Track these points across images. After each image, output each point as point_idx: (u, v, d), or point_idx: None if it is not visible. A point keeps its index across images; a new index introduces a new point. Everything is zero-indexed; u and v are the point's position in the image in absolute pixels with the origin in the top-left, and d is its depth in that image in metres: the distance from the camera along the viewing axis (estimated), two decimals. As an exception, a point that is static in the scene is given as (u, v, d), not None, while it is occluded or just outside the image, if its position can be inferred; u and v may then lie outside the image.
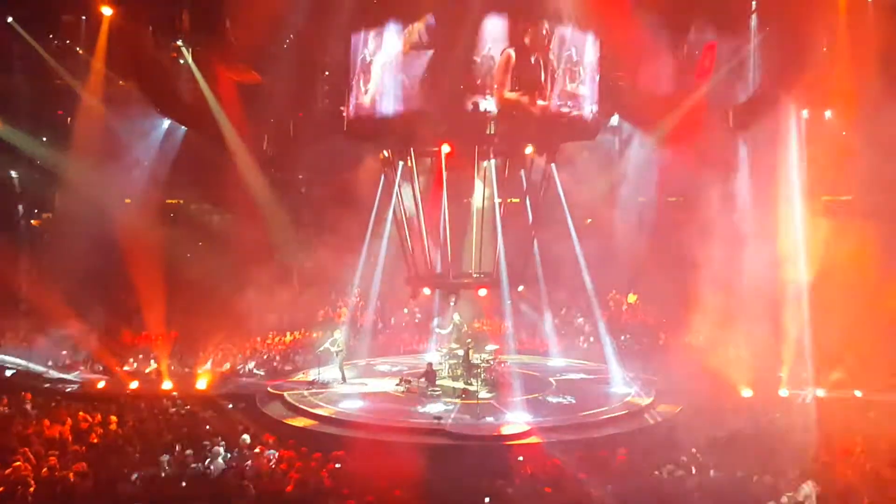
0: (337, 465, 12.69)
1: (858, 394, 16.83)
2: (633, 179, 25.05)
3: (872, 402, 16.28)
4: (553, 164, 20.39)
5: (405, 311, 25.35)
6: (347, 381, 19.38)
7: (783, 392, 17.85)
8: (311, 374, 19.55)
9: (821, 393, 17.36)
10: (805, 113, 22.17)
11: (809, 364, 18.15)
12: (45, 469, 11.62)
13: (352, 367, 20.47)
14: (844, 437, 13.46)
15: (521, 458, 13.58)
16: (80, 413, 15.08)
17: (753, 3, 22.41)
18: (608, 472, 12.42)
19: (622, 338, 21.54)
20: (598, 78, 18.93)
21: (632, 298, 25.37)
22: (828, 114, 22.08)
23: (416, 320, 24.97)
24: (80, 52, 22.49)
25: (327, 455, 13.01)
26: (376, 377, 20.28)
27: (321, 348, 19.59)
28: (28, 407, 15.80)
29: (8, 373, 18.32)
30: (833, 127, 21.52)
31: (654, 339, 22.91)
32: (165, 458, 12.48)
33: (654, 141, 23.52)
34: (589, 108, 18.82)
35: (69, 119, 23.69)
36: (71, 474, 11.48)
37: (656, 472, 12.26)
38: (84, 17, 22.52)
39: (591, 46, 18.59)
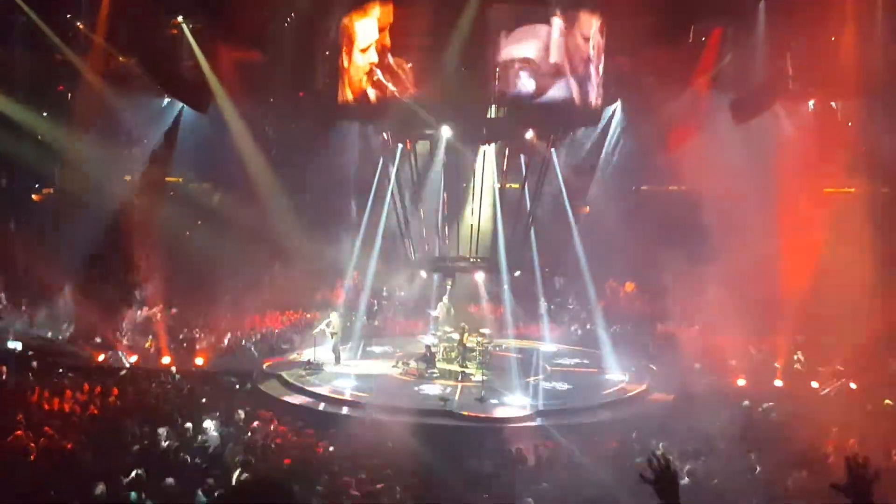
0: (331, 448, 12.81)
1: (853, 386, 16.86)
2: (633, 167, 24.98)
3: (869, 395, 16.29)
4: (553, 150, 20.40)
5: (384, 293, 25.20)
6: (342, 363, 19.41)
7: (778, 382, 17.94)
8: (307, 354, 19.59)
9: (815, 384, 17.44)
10: (811, 103, 22.09)
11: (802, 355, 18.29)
12: (43, 439, 11.69)
13: (347, 349, 20.41)
14: (839, 430, 13.51)
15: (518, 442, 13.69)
16: (83, 385, 15.20)
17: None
18: (600, 457, 12.51)
19: (613, 329, 21.61)
20: (601, 63, 18.90)
21: (629, 287, 25.43)
22: (833, 104, 21.94)
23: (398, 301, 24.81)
24: (81, 27, 22.38)
25: (323, 431, 13.13)
26: (372, 359, 20.35)
27: (316, 330, 19.66)
28: (30, 378, 15.91)
29: (11, 345, 18.29)
30: (839, 117, 21.43)
31: (650, 327, 22.95)
32: (163, 430, 12.57)
33: (657, 128, 23.36)
34: (591, 94, 18.82)
35: (70, 94, 23.61)
36: (70, 444, 11.58)
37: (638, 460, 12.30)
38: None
39: (594, 30, 18.55)
